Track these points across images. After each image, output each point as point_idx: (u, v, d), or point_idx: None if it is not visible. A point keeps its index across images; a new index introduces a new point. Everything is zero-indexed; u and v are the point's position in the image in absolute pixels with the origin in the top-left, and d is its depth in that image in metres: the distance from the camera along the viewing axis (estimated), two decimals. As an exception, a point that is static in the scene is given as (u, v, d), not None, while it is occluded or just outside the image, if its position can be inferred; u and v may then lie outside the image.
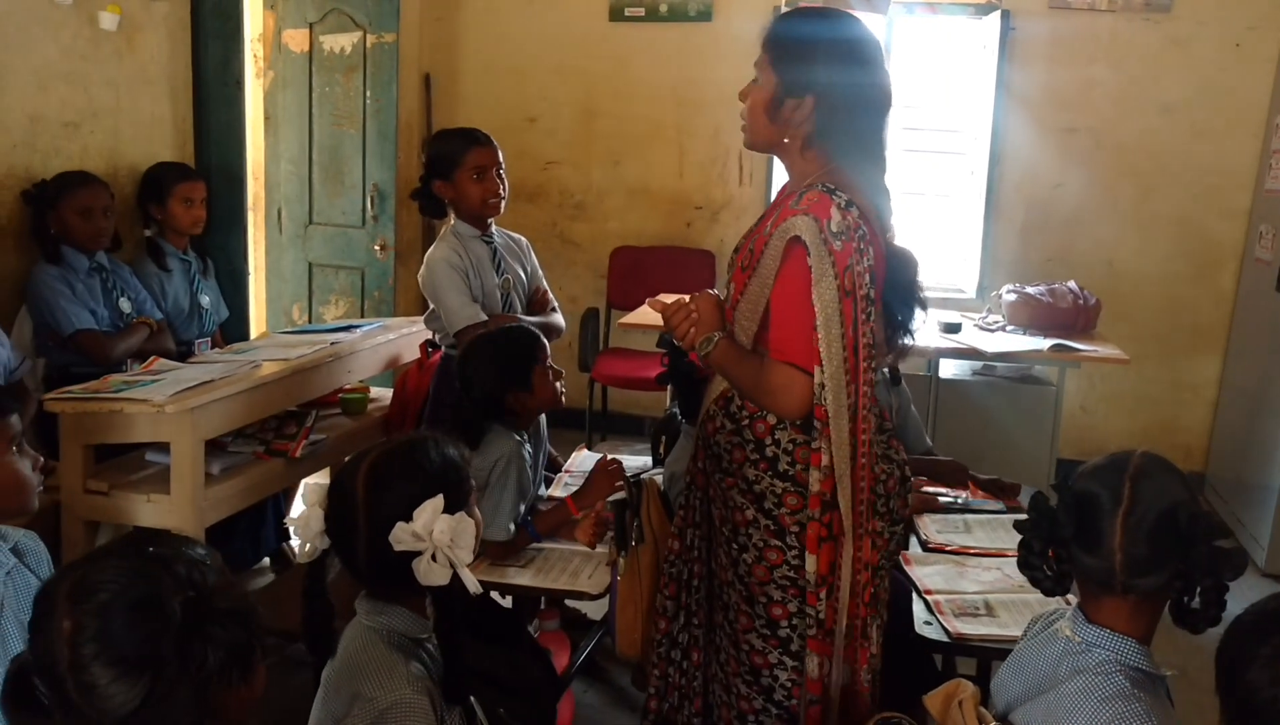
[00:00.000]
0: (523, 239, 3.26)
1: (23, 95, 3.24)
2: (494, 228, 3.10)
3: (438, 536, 1.48)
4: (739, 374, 1.94)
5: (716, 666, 2.12)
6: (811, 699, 1.94)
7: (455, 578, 1.53)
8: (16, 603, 1.78)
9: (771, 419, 1.93)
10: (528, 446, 2.66)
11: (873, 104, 1.93)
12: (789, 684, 1.97)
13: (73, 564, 1.16)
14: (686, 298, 2.03)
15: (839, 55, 1.90)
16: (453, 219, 3.06)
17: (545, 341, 2.68)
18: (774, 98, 1.91)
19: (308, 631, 1.60)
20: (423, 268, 3.03)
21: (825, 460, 1.86)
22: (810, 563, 1.89)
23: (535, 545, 2.58)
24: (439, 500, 1.50)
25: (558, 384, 2.66)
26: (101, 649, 1.06)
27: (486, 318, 2.91)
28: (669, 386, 2.85)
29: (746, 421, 1.95)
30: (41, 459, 1.86)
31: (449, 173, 2.99)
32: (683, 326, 2.01)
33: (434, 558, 1.50)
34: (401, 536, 1.49)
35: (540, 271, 3.27)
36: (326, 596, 1.61)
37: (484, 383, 2.59)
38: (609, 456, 2.74)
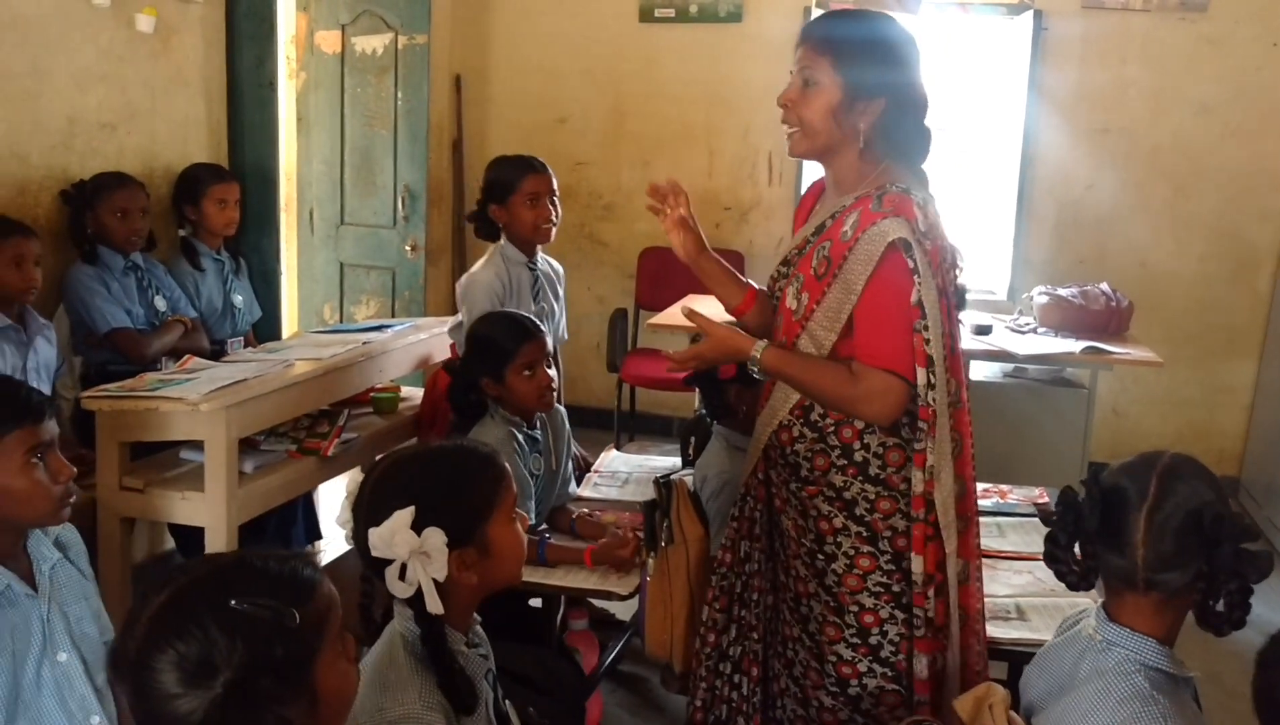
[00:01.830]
0: (560, 269, 3.34)
1: (61, 97, 3.29)
2: (540, 256, 3.18)
3: (396, 549, 1.48)
4: (809, 380, 1.91)
5: (788, 681, 2.09)
6: (920, 700, 1.91)
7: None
8: (60, 596, 1.80)
9: (859, 424, 1.91)
10: (536, 434, 2.67)
11: (927, 104, 1.95)
12: (877, 691, 1.96)
13: (172, 579, 1.17)
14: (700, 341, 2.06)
15: (902, 56, 1.92)
16: (502, 240, 3.14)
17: (541, 343, 2.64)
18: (843, 100, 1.89)
19: (360, 616, 1.61)
20: (465, 278, 3.12)
21: (931, 461, 1.87)
22: (917, 563, 1.89)
23: (565, 545, 2.59)
24: (408, 513, 1.48)
25: (549, 388, 2.62)
26: (157, 686, 1.11)
27: None
28: (697, 387, 2.85)
29: (831, 428, 1.94)
30: (74, 470, 1.79)
31: (504, 197, 3.09)
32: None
33: (402, 570, 1.49)
34: (374, 541, 1.49)
35: (564, 306, 3.34)
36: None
37: (465, 358, 2.67)
38: (628, 532, 2.58)
